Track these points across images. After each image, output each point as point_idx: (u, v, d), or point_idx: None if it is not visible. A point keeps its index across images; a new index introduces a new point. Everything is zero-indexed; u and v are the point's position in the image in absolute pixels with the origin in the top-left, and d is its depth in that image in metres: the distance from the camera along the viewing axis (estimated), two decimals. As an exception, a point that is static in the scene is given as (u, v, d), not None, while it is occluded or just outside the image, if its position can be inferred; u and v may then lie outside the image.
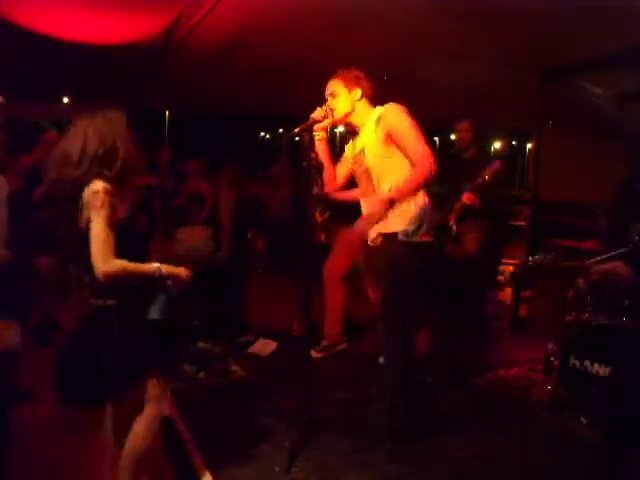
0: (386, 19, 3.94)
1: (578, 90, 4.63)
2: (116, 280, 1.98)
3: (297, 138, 2.81)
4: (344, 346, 4.17)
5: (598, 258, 2.11)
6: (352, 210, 3.67)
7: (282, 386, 3.51)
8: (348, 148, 3.05)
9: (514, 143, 20.46)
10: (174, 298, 2.12)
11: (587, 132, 4.61)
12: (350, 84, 2.85)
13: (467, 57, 4.41)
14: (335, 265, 4.17)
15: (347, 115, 2.88)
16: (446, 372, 3.73)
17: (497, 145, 20.61)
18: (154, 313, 2.07)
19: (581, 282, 2.48)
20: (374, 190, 2.85)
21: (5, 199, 3.05)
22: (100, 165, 2.01)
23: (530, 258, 3.10)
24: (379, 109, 2.83)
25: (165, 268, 2.08)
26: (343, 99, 2.85)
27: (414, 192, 2.74)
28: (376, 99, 2.91)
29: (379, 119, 2.78)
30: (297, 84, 5.24)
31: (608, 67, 4.27)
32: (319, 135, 2.89)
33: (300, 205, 3.53)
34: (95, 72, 5.32)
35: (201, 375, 3.65)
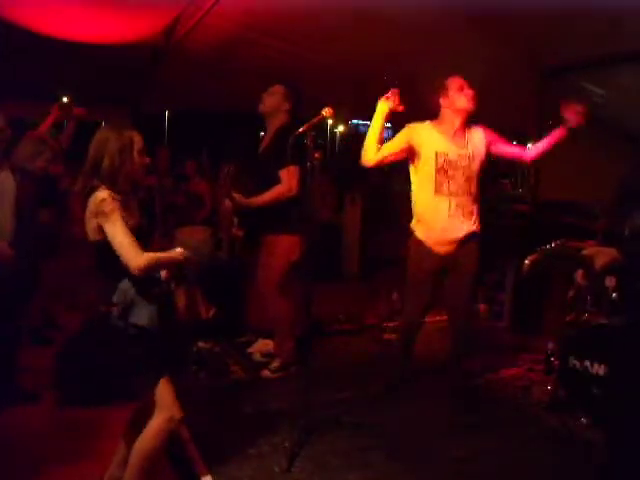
0: (386, 19, 3.94)
1: (578, 90, 4.63)
2: (151, 271, 2.05)
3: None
4: (298, 365, 3.66)
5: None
6: (268, 219, 3.69)
7: (282, 386, 3.51)
8: (430, 146, 3.13)
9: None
10: (168, 305, 2.14)
11: (587, 132, 4.61)
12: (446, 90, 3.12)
13: (467, 57, 4.41)
14: (267, 278, 3.74)
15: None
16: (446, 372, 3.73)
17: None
18: (142, 319, 2.08)
19: (579, 275, 2.54)
20: (470, 191, 3.11)
21: (12, 196, 3.04)
22: (106, 178, 2.07)
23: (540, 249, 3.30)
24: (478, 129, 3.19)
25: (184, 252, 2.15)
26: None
27: None
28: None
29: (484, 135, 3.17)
30: (297, 83, 5.24)
31: (608, 67, 4.28)
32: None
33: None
34: (95, 72, 5.32)
35: (201, 375, 3.64)
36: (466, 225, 3.13)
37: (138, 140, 2.17)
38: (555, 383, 3.29)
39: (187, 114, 9.26)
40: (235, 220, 4.01)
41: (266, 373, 3.71)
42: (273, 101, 3.74)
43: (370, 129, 3.12)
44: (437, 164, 3.09)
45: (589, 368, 3.05)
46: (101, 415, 2.80)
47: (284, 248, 3.65)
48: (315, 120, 2.84)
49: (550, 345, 3.68)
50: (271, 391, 3.47)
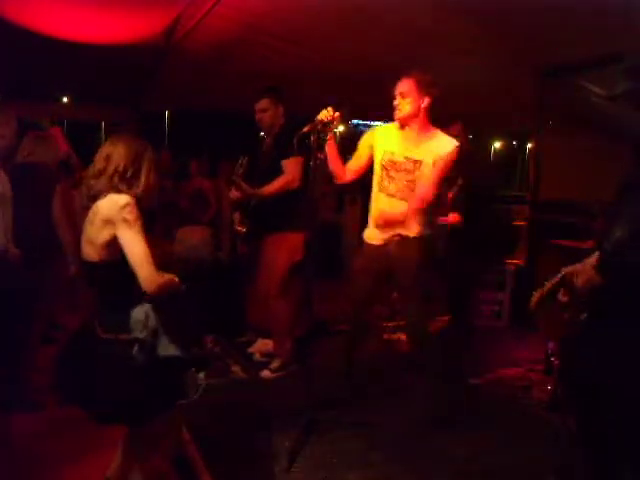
0: (386, 19, 3.94)
1: (578, 90, 4.62)
2: (164, 292, 1.89)
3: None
4: (297, 365, 3.71)
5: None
6: (273, 216, 3.70)
7: (282, 386, 3.51)
8: (380, 141, 3.06)
9: (514, 143, 20.43)
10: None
11: (587, 132, 4.60)
12: (422, 90, 2.91)
13: (467, 57, 4.41)
14: (270, 277, 3.76)
15: (409, 119, 2.95)
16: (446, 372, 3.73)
17: (497, 145, 20.57)
18: (172, 349, 1.95)
19: (561, 292, 2.49)
20: (410, 196, 2.96)
21: (10, 198, 3.04)
22: (120, 181, 1.93)
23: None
24: (449, 144, 2.93)
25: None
26: (411, 102, 2.92)
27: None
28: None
29: (446, 154, 2.91)
30: (297, 84, 5.24)
31: (608, 67, 4.27)
32: (328, 136, 2.92)
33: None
34: (95, 72, 5.32)
35: (201, 375, 3.64)
36: (399, 229, 3.00)
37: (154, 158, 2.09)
38: (555, 383, 3.29)
39: (187, 114, 9.26)
40: (238, 216, 4.00)
41: (266, 373, 3.71)
42: (270, 115, 3.80)
43: (328, 159, 3.05)
44: (382, 162, 3.03)
45: (589, 368, 3.05)
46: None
47: (289, 246, 3.66)
48: (317, 122, 2.82)
49: (550, 345, 3.68)
50: (271, 391, 3.48)
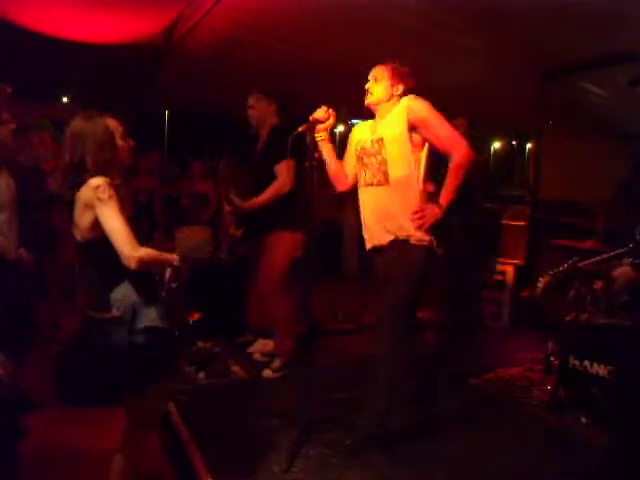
0: (386, 18, 3.94)
1: (578, 90, 4.63)
2: (145, 267, 1.94)
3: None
4: (298, 364, 3.65)
5: (599, 258, 2.09)
6: (268, 219, 3.71)
7: (282, 386, 3.51)
8: (356, 134, 2.94)
9: (514, 143, 20.47)
10: (172, 306, 2.10)
11: (587, 132, 4.61)
12: (396, 78, 2.81)
13: (467, 57, 4.42)
14: (268, 277, 3.75)
15: (379, 103, 2.82)
16: (446, 372, 3.74)
17: (497, 145, 20.63)
18: (152, 320, 2.00)
19: (598, 284, 2.43)
20: (386, 180, 2.75)
21: (14, 202, 3.03)
22: (99, 167, 1.97)
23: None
24: (405, 101, 2.76)
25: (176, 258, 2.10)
26: (383, 88, 2.80)
27: (460, 181, 2.68)
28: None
29: (407, 111, 2.72)
30: (297, 84, 5.24)
31: (608, 67, 4.28)
32: (322, 136, 2.83)
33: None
34: (95, 72, 5.32)
35: (201, 375, 3.64)
36: (389, 227, 2.77)
37: (116, 125, 2.07)
38: (555, 383, 3.29)
39: (187, 114, 9.27)
40: (233, 220, 4.02)
41: (267, 373, 3.72)
42: (257, 111, 3.80)
43: (326, 163, 2.92)
44: (357, 153, 2.88)
45: (589, 368, 3.06)
46: (101, 414, 2.80)
47: (286, 246, 3.67)
48: (313, 121, 2.77)
49: (550, 345, 3.68)
50: (271, 391, 3.47)
